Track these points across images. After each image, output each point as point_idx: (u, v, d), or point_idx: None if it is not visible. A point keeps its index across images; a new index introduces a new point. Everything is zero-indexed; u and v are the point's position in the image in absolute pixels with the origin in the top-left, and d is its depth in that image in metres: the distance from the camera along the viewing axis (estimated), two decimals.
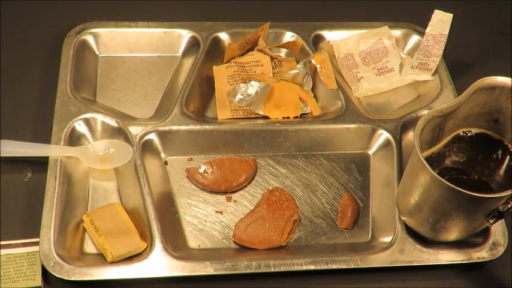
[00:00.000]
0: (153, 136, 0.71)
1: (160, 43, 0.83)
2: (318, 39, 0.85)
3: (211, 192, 0.70)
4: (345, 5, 0.94)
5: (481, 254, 0.64)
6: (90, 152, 0.69)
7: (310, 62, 0.79)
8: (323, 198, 0.71)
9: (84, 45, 0.81)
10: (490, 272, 0.66)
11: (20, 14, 0.86)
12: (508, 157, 0.63)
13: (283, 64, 0.81)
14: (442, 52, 0.79)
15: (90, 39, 0.81)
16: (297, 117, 0.77)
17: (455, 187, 0.54)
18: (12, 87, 0.77)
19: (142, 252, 0.63)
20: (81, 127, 0.71)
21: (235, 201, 0.70)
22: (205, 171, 0.70)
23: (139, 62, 0.82)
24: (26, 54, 0.81)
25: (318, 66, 0.79)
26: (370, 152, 0.76)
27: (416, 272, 0.65)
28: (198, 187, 0.70)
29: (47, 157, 0.67)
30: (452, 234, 0.62)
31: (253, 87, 0.74)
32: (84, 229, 0.65)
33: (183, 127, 0.72)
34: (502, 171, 0.63)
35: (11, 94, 0.76)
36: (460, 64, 0.86)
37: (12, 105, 0.75)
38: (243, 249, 0.66)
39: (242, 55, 0.81)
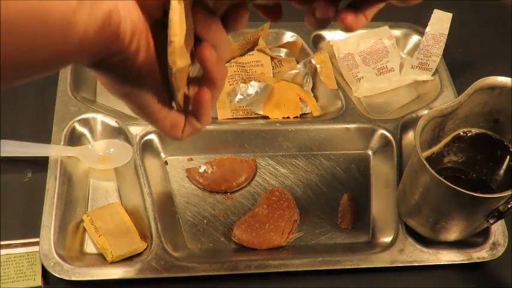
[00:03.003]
0: (153, 136, 0.71)
1: None
2: (318, 39, 0.85)
3: (211, 192, 0.70)
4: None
5: (481, 254, 0.64)
6: (90, 152, 0.69)
7: (310, 62, 0.79)
8: (323, 198, 0.71)
9: None
10: (490, 272, 0.66)
11: None
12: (508, 157, 0.63)
13: (283, 64, 0.81)
14: (442, 52, 0.79)
15: None
16: (297, 117, 0.77)
17: (456, 187, 0.54)
18: (12, 87, 0.77)
19: (142, 252, 0.63)
20: (81, 127, 0.71)
21: (235, 201, 0.70)
22: (205, 171, 0.70)
23: None
24: None
25: (318, 66, 0.79)
26: (370, 152, 0.76)
27: (416, 272, 0.65)
28: (198, 187, 0.70)
29: (47, 157, 0.67)
30: (453, 234, 0.62)
31: (253, 87, 0.74)
32: (84, 229, 0.65)
33: None
34: (502, 171, 0.63)
35: (11, 94, 0.76)
36: (460, 64, 0.86)
37: (12, 105, 0.75)
38: (243, 249, 0.66)
39: (242, 55, 0.81)
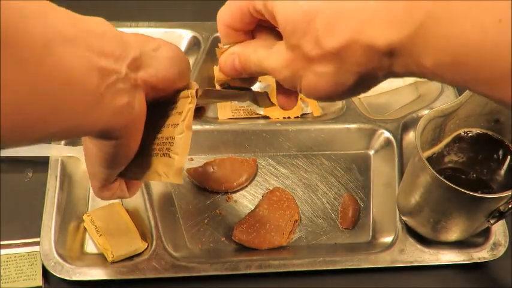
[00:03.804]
0: None
1: None
2: None
3: (211, 192, 0.70)
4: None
5: (482, 254, 0.64)
6: None
7: None
8: (324, 198, 0.71)
9: None
10: (490, 272, 0.66)
11: None
12: (508, 157, 0.63)
13: None
14: None
15: None
16: (297, 117, 0.77)
17: (456, 187, 0.54)
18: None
19: (142, 252, 0.63)
20: None
21: (235, 201, 0.70)
22: (205, 171, 0.70)
23: None
24: None
25: None
26: (371, 152, 0.76)
27: (416, 272, 0.65)
28: (198, 187, 0.70)
29: (48, 157, 0.67)
30: (453, 235, 0.62)
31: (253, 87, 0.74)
32: (85, 229, 0.65)
33: None
34: (502, 171, 0.63)
35: None
36: None
37: None
38: (243, 249, 0.66)
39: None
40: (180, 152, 0.40)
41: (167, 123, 0.42)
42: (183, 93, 0.42)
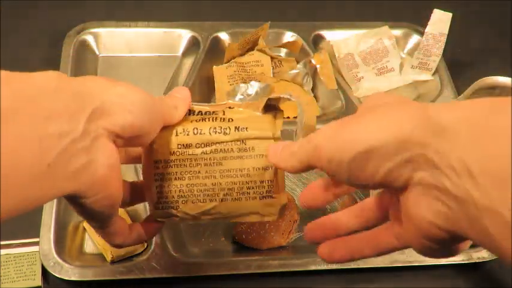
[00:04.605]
0: None
1: (160, 43, 0.83)
2: (318, 39, 0.85)
3: None
4: (345, 5, 0.94)
5: (481, 254, 0.64)
6: None
7: (310, 62, 0.79)
8: None
9: (84, 45, 0.81)
10: (490, 272, 0.66)
11: (20, 14, 0.86)
12: None
13: (283, 64, 0.81)
14: (442, 51, 0.79)
15: (90, 39, 0.81)
16: (296, 117, 0.76)
17: None
18: None
19: (142, 252, 0.63)
20: None
21: None
22: None
23: (139, 62, 0.82)
24: (26, 54, 0.81)
25: (318, 66, 0.79)
26: None
27: (416, 271, 0.65)
28: None
29: None
30: None
31: (253, 87, 0.74)
32: (84, 229, 0.65)
33: None
34: None
35: None
36: (460, 64, 0.86)
37: None
38: (243, 249, 0.66)
39: (242, 55, 0.81)
40: (280, 189, 0.45)
41: (252, 166, 0.44)
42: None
